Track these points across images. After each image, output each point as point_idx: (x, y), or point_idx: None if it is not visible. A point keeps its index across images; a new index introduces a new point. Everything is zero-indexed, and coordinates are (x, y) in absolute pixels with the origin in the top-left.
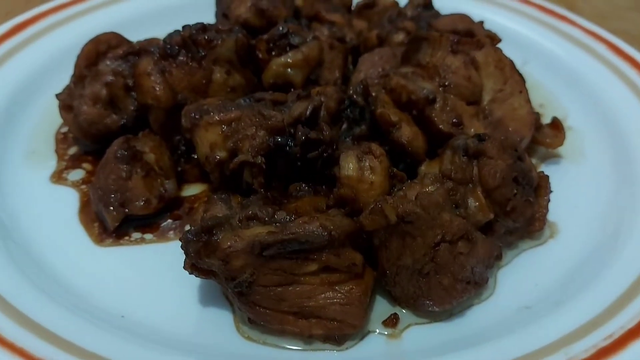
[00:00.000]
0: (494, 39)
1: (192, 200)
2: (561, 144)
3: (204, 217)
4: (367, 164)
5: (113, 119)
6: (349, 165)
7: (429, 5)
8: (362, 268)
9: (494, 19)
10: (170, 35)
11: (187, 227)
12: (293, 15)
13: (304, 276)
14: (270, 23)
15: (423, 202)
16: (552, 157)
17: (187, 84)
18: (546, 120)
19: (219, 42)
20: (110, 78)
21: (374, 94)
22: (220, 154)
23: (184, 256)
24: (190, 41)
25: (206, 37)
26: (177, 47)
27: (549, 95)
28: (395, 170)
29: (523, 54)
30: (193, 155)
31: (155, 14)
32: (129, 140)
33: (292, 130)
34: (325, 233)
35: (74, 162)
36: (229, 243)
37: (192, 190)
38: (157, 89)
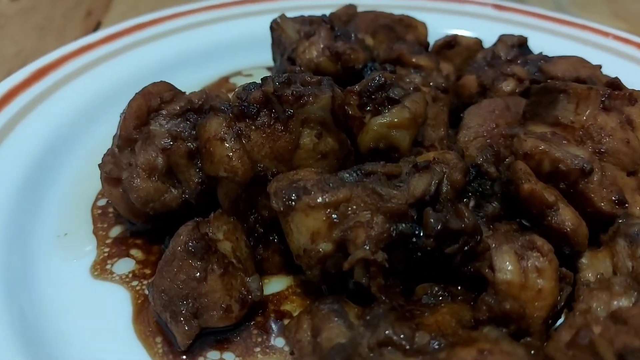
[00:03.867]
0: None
1: (276, 301)
2: None
3: (319, 342)
4: (533, 265)
5: (173, 194)
6: (507, 267)
7: (524, 45)
8: None
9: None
10: (246, 90)
11: (289, 350)
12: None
13: None
14: (346, 68)
15: None
16: None
17: (269, 151)
18: None
19: (311, 98)
20: (167, 142)
21: (513, 164)
22: (325, 247)
23: None
24: (274, 98)
25: (293, 93)
26: (256, 105)
27: None
28: (564, 270)
29: None
30: (272, 238)
31: (189, 57)
32: (200, 226)
33: (413, 213)
34: None
35: (119, 249)
36: None
37: (273, 285)
38: (234, 158)
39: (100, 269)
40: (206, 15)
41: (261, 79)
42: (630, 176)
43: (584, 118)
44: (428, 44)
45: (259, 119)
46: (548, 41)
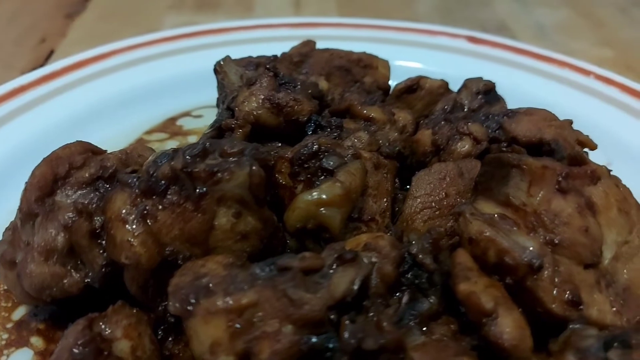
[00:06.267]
0: (590, 146)
1: None
2: None
3: None
4: None
5: (73, 279)
6: None
7: (491, 92)
8: None
9: (561, 102)
10: (155, 163)
11: None
12: (319, 107)
13: None
14: (289, 122)
15: None
16: None
17: (179, 233)
18: None
19: (226, 175)
20: (71, 217)
21: (453, 255)
22: None
23: None
24: (184, 174)
25: (205, 169)
26: (164, 182)
27: None
28: None
29: (605, 152)
30: (185, 327)
31: (134, 95)
32: (93, 324)
33: (334, 316)
34: None
35: (20, 335)
36: None
37: None
38: (136, 243)
39: None
40: (153, 49)
41: (172, 150)
42: (589, 269)
43: (537, 202)
44: (389, 87)
45: (167, 196)
46: (524, 79)
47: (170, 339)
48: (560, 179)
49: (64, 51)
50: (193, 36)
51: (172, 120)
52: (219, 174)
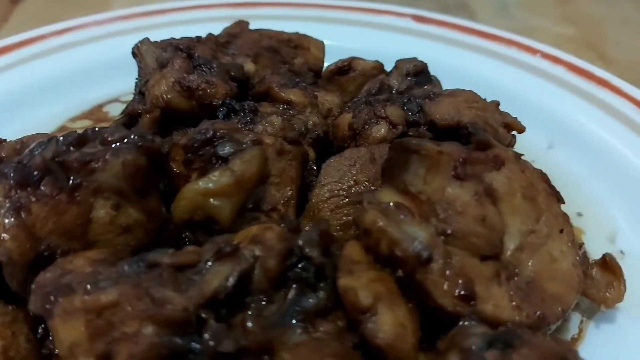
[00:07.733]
0: (518, 128)
1: None
2: (620, 299)
3: None
4: None
5: None
6: None
7: (421, 73)
8: None
9: (506, 83)
10: (31, 152)
11: None
12: (238, 90)
13: None
14: (203, 105)
15: None
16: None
17: (54, 227)
18: (591, 243)
19: (100, 164)
20: None
21: (343, 248)
22: None
23: None
24: (55, 165)
25: (79, 158)
26: (37, 172)
27: (587, 194)
28: None
29: (548, 134)
30: None
31: (62, 79)
32: None
33: (207, 316)
34: None
35: None
36: None
37: None
38: (6, 237)
39: None
40: (83, 33)
41: (47, 139)
42: (487, 261)
43: (430, 189)
44: (321, 68)
45: (40, 188)
46: (468, 59)
47: (50, 337)
48: (457, 164)
49: (3, 36)
50: (125, 19)
51: (100, 106)
52: (93, 164)
